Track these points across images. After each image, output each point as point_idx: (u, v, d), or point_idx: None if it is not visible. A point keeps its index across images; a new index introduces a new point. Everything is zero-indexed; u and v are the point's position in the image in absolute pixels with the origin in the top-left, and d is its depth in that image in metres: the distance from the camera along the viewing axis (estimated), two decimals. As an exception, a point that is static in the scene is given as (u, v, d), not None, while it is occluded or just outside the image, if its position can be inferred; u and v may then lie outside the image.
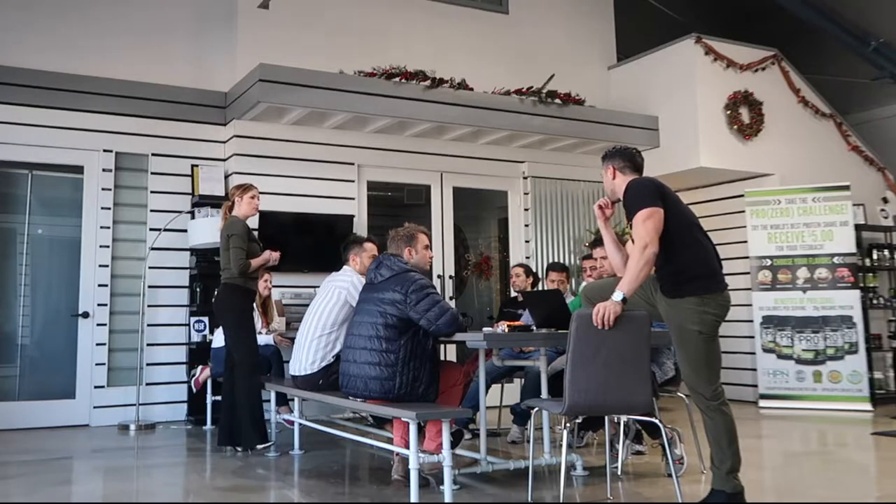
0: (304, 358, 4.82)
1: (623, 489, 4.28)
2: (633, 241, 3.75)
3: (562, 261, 8.24)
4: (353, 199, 7.46)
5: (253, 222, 5.57)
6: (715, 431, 3.61)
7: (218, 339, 6.12)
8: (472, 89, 7.57)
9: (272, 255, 5.46)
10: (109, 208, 6.88)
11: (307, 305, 5.15)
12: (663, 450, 4.31)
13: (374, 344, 4.16)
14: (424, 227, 4.70)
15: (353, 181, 7.49)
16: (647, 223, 3.53)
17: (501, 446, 5.56)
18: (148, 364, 6.81)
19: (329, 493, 4.25)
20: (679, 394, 4.72)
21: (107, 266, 6.79)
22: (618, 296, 3.54)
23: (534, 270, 6.86)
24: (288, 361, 5.37)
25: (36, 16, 6.81)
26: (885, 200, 8.97)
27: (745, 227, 8.06)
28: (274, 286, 6.67)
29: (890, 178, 9.16)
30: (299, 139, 7.28)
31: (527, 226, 8.35)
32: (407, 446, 4.04)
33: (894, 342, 8.40)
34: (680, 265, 3.61)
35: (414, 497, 3.82)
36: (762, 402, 7.71)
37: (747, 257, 8.03)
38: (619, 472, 4.52)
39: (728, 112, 8.15)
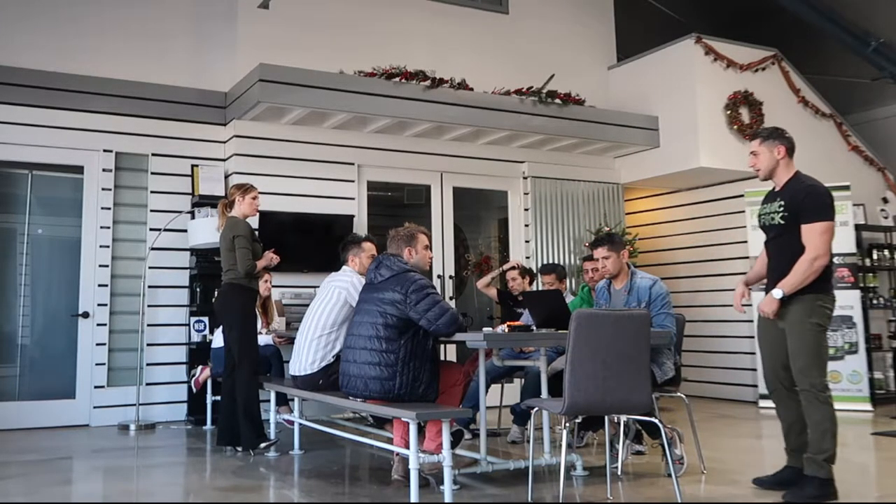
0: (304, 358, 4.82)
1: (623, 489, 4.28)
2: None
3: (562, 261, 8.25)
4: (353, 199, 7.46)
5: (253, 222, 5.58)
6: (822, 422, 3.85)
7: (218, 339, 6.12)
8: (472, 89, 7.57)
9: (274, 258, 5.48)
10: (109, 208, 6.88)
11: (307, 305, 5.15)
12: (663, 450, 4.32)
13: (374, 344, 4.16)
14: (424, 227, 4.70)
15: (353, 181, 7.49)
16: (824, 236, 3.85)
17: (501, 446, 5.56)
18: (148, 364, 6.81)
19: (329, 493, 4.25)
20: (679, 394, 4.73)
21: (107, 266, 6.79)
22: (778, 293, 3.91)
23: (528, 268, 6.88)
24: (288, 361, 5.37)
25: (36, 16, 6.81)
26: (885, 200, 8.97)
27: (745, 227, 8.06)
28: (274, 286, 6.67)
29: (890, 178, 9.17)
30: (299, 139, 7.28)
31: (527, 226, 8.36)
32: (407, 446, 4.04)
33: (894, 342, 8.40)
34: None
35: (414, 497, 3.82)
36: (762, 402, 7.70)
37: (747, 257, 8.03)
38: (619, 472, 4.53)
39: (728, 112, 8.15)
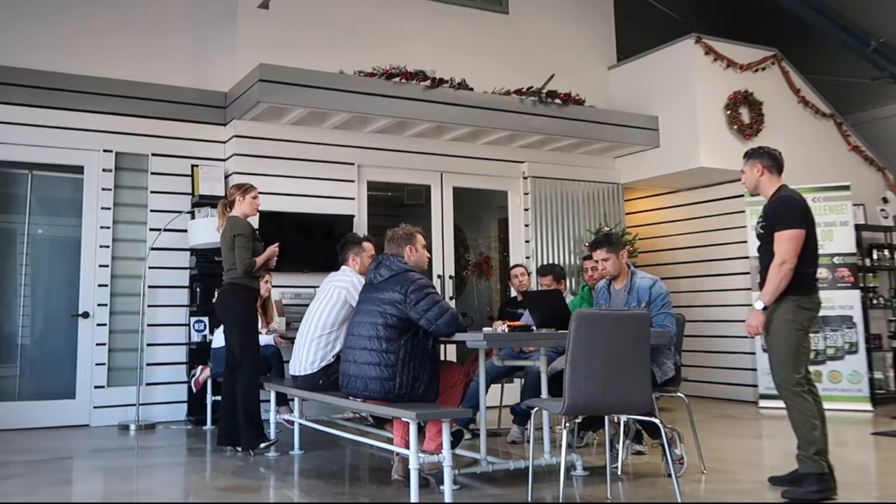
0: (304, 358, 4.82)
1: (623, 489, 4.28)
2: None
3: (562, 261, 8.25)
4: (353, 199, 7.46)
5: (253, 222, 5.57)
6: (802, 414, 3.98)
7: (218, 339, 6.12)
8: (472, 89, 7.56)
9: (275, 251, 5.47)
10: (109, 208, 6.88)
11: (307, 305, 5.15)
12: (663, 450, 4.32)
13: (374, 344, 4.17)
14: (424, 227, 4.72)
15: (353, 181, 7.49)
16: (790, 243, 4.03)
17: (501, 446, 5.56)
18: (148, 364, 6.81)
19: (329, 493, 4.25)
20: (679, 394, 4.72)
21: (107, 266, 6.79)
22: (759, 305, 4.08)
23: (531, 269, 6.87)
24: (288, 361, 5.37)
25: (36, 16, 6.81)
26: (885, 200, 8.97)
27: (745, 227, 8.05)
28: (274, 286, 6.67)
29: (890, 178, 9.16)
30: (299, 139, 7.28)
31: (527, 226, 8.35)
32: (407, 446, 4.04)
33: (894, 342, 8.40)
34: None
35: (414, 497, 3.83)
36: (762, 402, 7.70)
37: (747, 257, 8.02)
38: (619, 472, 4.52)
39: (728, 112, 8.14)
